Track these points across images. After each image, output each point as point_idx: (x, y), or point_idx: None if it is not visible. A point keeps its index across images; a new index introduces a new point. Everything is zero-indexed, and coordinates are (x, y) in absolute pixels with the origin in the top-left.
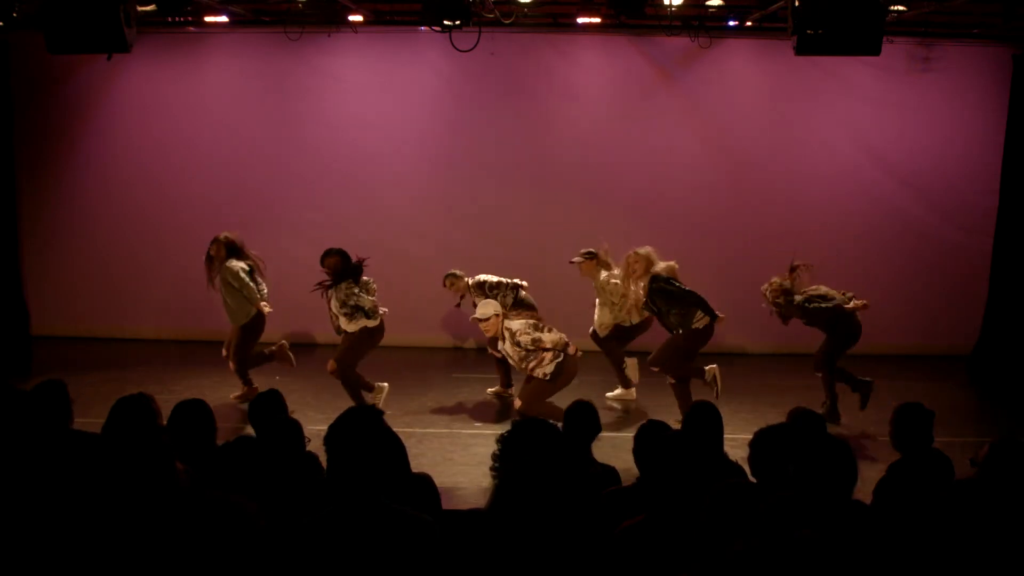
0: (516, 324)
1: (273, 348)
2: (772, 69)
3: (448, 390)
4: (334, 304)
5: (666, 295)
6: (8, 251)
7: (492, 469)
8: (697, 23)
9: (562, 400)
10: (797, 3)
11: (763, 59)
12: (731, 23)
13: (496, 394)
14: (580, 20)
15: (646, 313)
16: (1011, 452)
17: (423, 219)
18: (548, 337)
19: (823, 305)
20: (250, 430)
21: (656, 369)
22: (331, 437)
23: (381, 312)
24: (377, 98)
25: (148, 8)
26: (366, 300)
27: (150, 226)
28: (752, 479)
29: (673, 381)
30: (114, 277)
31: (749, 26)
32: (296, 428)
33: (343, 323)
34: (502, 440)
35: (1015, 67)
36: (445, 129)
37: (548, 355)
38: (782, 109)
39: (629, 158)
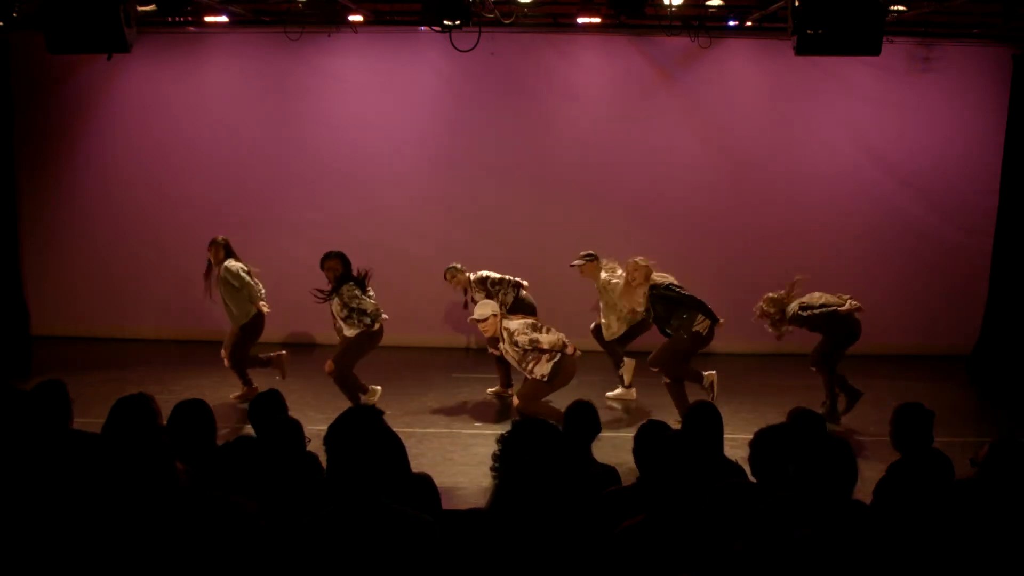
0: (514, 324)
1: (272, 355)
2: (772, 69)
3: (448, 390)
4: (335, 308)
5: (667, 300)
6: (8, 251)
7: (492, 469)
8: (697, 23)
9: (562, 400)
10: (797, 3)
11: (763, 59)
12: (731, 23)
13: (496, 394)
14: (580, 20)
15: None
16: (1011, 452)
17: (423, 219)
18: (546, 338)
19: (817, 311)
20: (250, 430)
21: (655, 369)
22: (331, 437)
23: (383, 318)
24: (377, 98)
25: (148, 8)
26: (368, 303)
27: (150, 226)
28: (752, 479)
29: (668, 381)
30: (114, 277)
31: (749, 26)
32: (296, 428)
33: (344, 327)
34: (502, 440)
35: (1015, 67)
36: (445, 129)
37: (545, 355)
38: (782, 109)
39: (629, 158)
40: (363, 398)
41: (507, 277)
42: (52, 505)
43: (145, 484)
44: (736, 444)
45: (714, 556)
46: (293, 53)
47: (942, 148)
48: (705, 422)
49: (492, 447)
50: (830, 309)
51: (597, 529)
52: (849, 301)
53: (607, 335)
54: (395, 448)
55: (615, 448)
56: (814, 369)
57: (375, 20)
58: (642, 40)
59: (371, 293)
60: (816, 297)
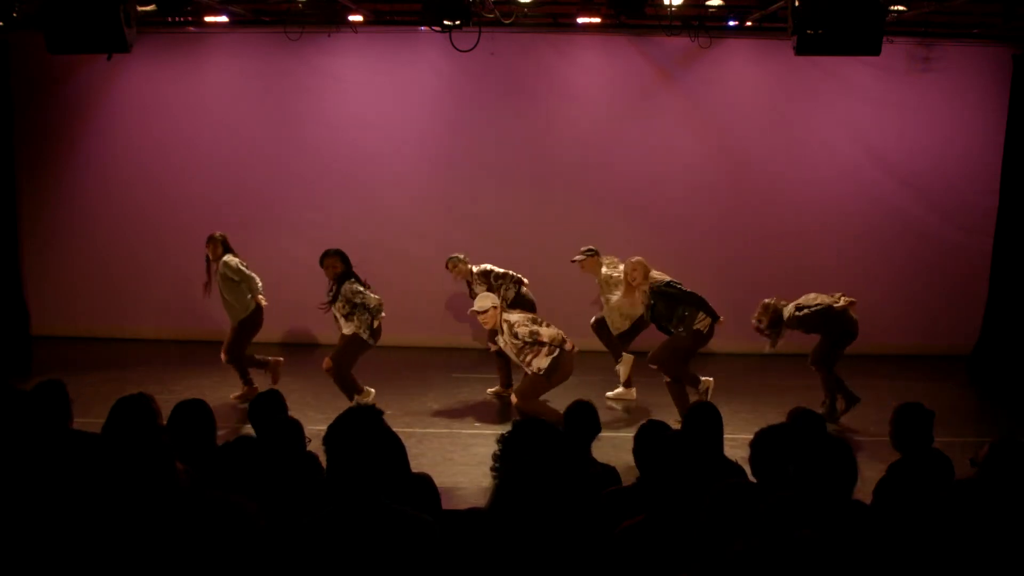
0: (515, 316)
1: (269, 359)
2: (772, 69)
3: (448, 390)
4: (338, 306)
5: (668, 297)
6: (8, 251)
7: (492, 469)
8: (697, 23)
9: (562, 400)
10: (797, 3)
11: (763, 59)
12: (731, 23)
13: (496, 394)
14: (580, 20)
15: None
16: (1011, 452)
17: (423, 219)
18: (546, 332)
19: (813, 308)
20: (250, 430)
21: (655, 367)
22: (331, 437)
23: (381, 315)
24: (377, 98)
25: (148, 8)
26: (371, 297)
27: (150, 226)
28: (752, 479)
29: (668, 380)
30: (114, 277)
31: (749, 26)
32: (296, 428)
33: (343, 325)
34: (502, 440)
35: (1015, 67)
36: (445, 129)
37: (544, 349)
38: (782, 109)
39: (629, 158)
40: (356, 398)
41: (510, 272)
42: (52, 505)
43: (145, 484)
44: (736, 444)
45: (714, 556)
46: (293, 53)
47: (942, 148)
48: (705, 422)
49: (492, 447)
50: (824, 306)
51: (597, 529)
52: (843, 298)
53: (613, 330)
54: (395, 448)
55: (615, 448)
56: (819, 374)
57: (375, 20)
58: (642, 40)
59: (372, 290)
60: (811, 298)
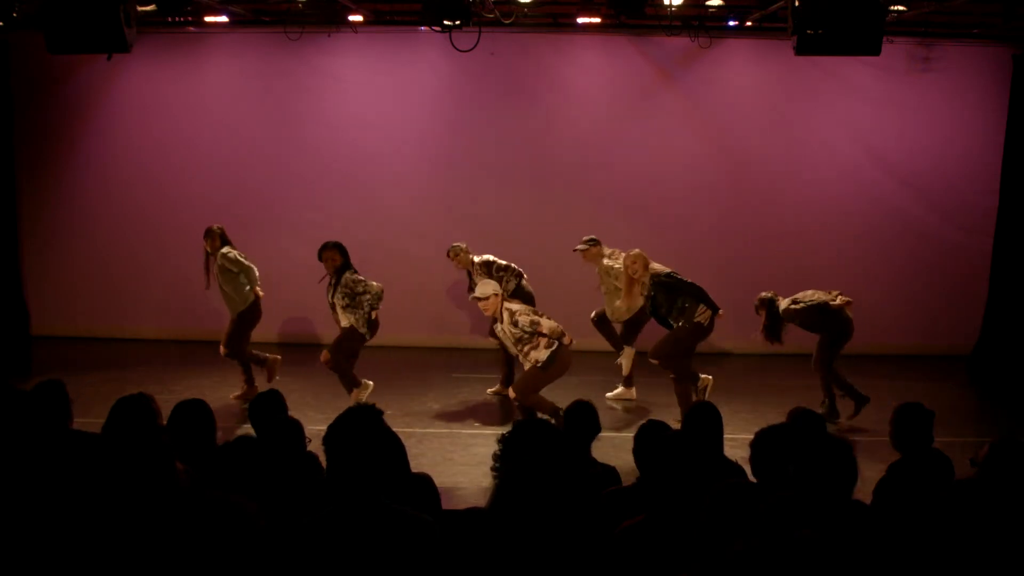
0: (516, 306)
1: (267, 356)
2: (772, 69)
3: (448, 390)
4: (338, 297)
5: (669, 288)
6: (8, 251)
7: (492, 469)
8: (697, 23)
9: (562, 400)
10: (797, 3)
11: (763, 59)
12: (731, 23)
13: (496, 393)
14: (580, 20)
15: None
16: (1011, 452)
17: (423, 219)
18: (546, 323)
19: (808, 304)
20: (250, 430)
21: (656, 362)
22: (331, 437)
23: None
24: (377, 98)
25: (148, 8)
26: (373, 285)
27: (150, 226)
28: (752, 479)
29: (674, 377)
30: (114, 277)
31: (749, 26)
32: (296, 428)
33: (341, 317)
34: (502, 440)
35: (1015, 67)
36: (445, 129)
37: (544, 340)
38: (782, 109)
39: (629, 158)
40: (355, 392)
41: (512, 265)
42: (52, 505)
43: (145, 484)
44: (736, 444)
45: (714, 556)
46: (293, 53)
47: (942, 148)
48: (705, 422)
49: (492, 447)
50: (820, 302)
51: (597, 529)
52: (839, 296)
53: (612, 318)
54: (395, 448)
55: (615, 448)
56: (815, 368)
57: (375, 20)
58: (642, 40)
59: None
60: (808, 294)
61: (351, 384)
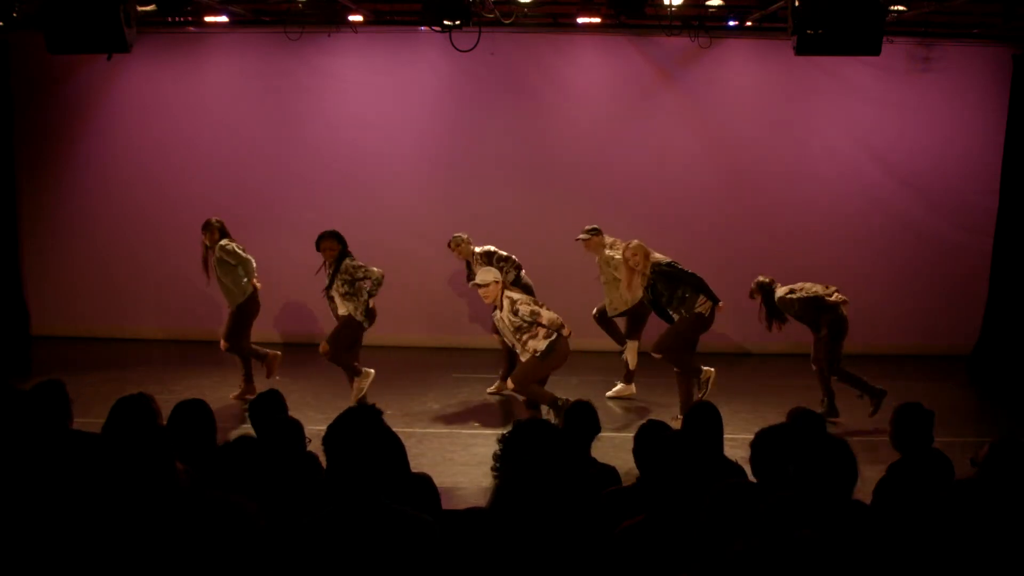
0: (517, 295)
1: (267, 352)
2: (772, 69)
3: (448, 390)
4: (337, 285)
5: (669, 277)
6: (8, 251)
7: (492, 469)
8: (697, 23)
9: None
10: (797, 3)
11: (763, 59)
12: (731, 23)
13: (496, 391)
14: (580, 20)
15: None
16: (1011, 452)
17: (423, 219)
18: (546, 314)
19: (804, 295)
20: (250, 430)
21: (658, 356)
22: (331, 437)
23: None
24: (377, 98)
25: (148, 8)
26: (373, 270)
27: (150, 226)
28: (752, 479)
29: (678, 371)
30: (114, 277)
31: (749, 26)
32: (296, 428)
33: (339, 305)
34: (503, 440)
35: (1015, 67)
36: (445, 129)
37: (542, 331)
38: (782, 109)
39: (629, 158)
40: (356, 381)
41: (512, 256)
42: (52, 505)
43: (145, 484)
44: (736, 444)
45: (714, 556)
46: (293, 53)
47: (942, 148)
48: (705, 422)
49: (492, 447)
50: (816, 295)
51: (597, 529)
52: (836, 294)
53: (610, 310)
54: (395, 448)
55: (615, 448)
56: (814, 367)
57: (375, 20)
58: (642, 40)
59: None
60: (808, 286)
61: (352, 374)
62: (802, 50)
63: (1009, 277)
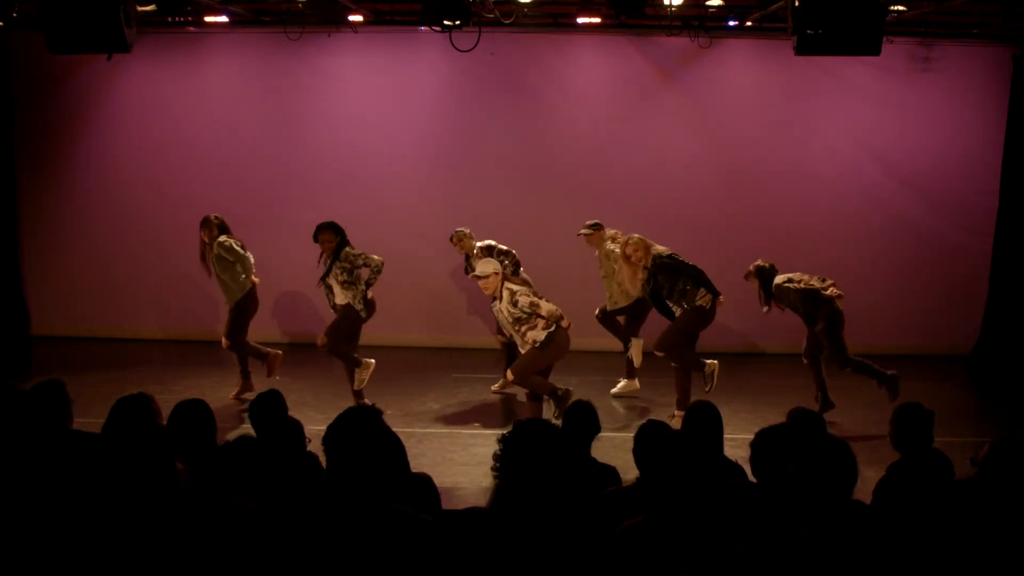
0: (516, 286)
1: (268, 351)
2: (772, 69)
3: (448, 390)
4: (336, 274)
5: (670, 269)
6: (8, 251)
7: (492, 469)
8: (697, 23)
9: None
10: (797, 3)
11: (763, 59)
12: (731, 23)
13: (501, 389)
14: (580, 20)
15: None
16: (1011, 452)
17: (423, 219)
18: (545, 305)
19: (803, 286)
20: (249, 430)
21: (661, 354)
22: (330, 437)
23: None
24: (377, 98)
25: (148, 8)
26: (373, 258)
27: (150, 226)
28: (752, 479)
29: (675, 365)
30: (114, 277)
31: (749, 26)
32: (296, 428)
33: (338, 294)
34: (503, 440)
35: (1015, 67)
36: (445, 129)
37: (541, 322)
38: (782, 109)
39: (629, 158)
40: (357, 372)
41: (512, 251)
42: (52, 505)
43: (145, 484)
44: (736, 444)
45: (714, 556)
46: (293, 53)
47: (942, 148)
48: (705, 422)
49: (492, 447)
50: (813, 288)
51: (597, 529)
52: (831, 288)
53: (610, 304)
54: (395, 448)
55: (615, 448)
56: (805, 360)
57: (375, 20)
58: (642, 40)
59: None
60: (806, 278)
61: (352, 365)
62: (802, 50)
63: (1009, 277)
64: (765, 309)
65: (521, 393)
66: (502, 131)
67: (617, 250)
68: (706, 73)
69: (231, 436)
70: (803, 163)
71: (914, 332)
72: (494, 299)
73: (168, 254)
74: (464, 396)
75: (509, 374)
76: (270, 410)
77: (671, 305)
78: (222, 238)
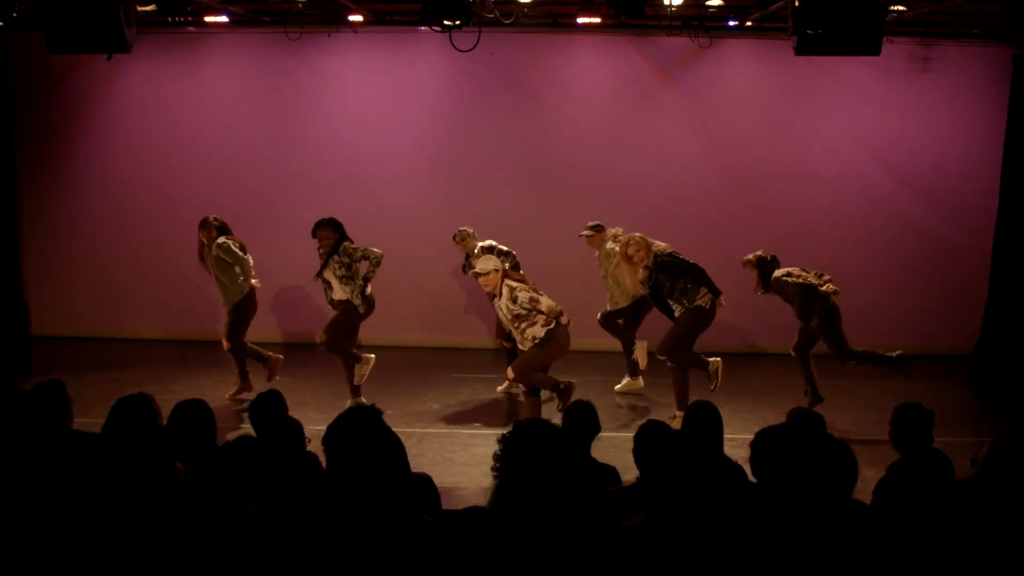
0: (516, 282)
1: (269, 355)
2: (772, 69)
3: (448, 390)
4: (334, 269)
5: (671, 267)
6: (8, 251)
7: (492, 469)
8: (697, 23)
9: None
10: (797, 3)
11: (763, 59)
12: (731, 23)
13: (507, 390)
14: (580, 20)
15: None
16: (1011, 452)
17: (423, 219)
18: (545, 301)
19: (801, 281)
20: (248, 430)
21: (663, 357)
22: (330, 437)
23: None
24: (377, 98)
25: (148, 8)
26: (373, 251)
27: (150, 226)
28: (752, 479)
29: (672, 365)
30: (114, 277)
31: (749, 26)
32: (296, 428)
33: (336, 289)
34: (502, 440)
35: (1015, 67)
36: (445, 129)
37: (541, 318)
38: (782, 109)
39: (629, 158)
40: (357, 368)
41: (512, 252)
42: (52, 505)
43: (145, 484)
44: (736, 444)
45: (714, 556)
46: (293, 53)
47: (942, 148)
48: (705, 422)
49: (492, 447)
50: (810, 284)
51: (597, 529)
52: (828, 284)
53: (610, 305)
54: (395, 448)
55: (615, 448)
56: (793, 354)
57: (375, 20)
58: (642, 40)
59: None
60: (804, 273)
61: (352, 361)
62: (802, 50)
63: (1009, 277)
64: (760, 292)
65: (523, 392)
66: (502, 131)
67: (616, 248)
68: (706, 73)
69: (231, 436)
70: (803, 163)
71: (914, 332)
72: (494, 296)
73: (168, 254)
74: (464, 396)
75: (510, 372)
76: (270, 410)
77: (671, 303)
78: (221, 239)
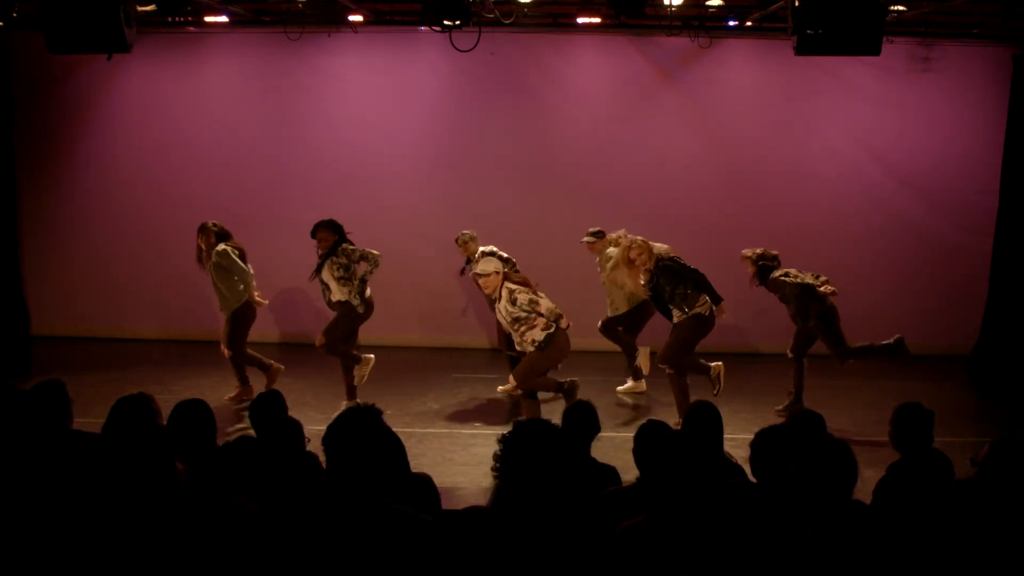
0: (516, 285)
1: (271, 364)
2: (772, 69)
3: (448, 390)
4: (332, 270)
5: (672, 272)
6: (8, 251)
7: (493, 469)
8: (697, 23)
9: (563, 402)
10: (797, 3)
11: (763, 59)
12: (731, 23)
13: (508, 392)
14: (580, 20)
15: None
16: (1011, 452)
17: (423, 219)
18: (544, 303)
19: (799, 281)
20: (250, 430)
21: (664, 366)
22: (330, 437)
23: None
24: (377, 98)
25: (148, 8)
26: (372, 253)
27: (150, 226)
28: (752, 479)
29: (671, 372)
30: (114, 277)
31: (749, 26)
32: (296, 428)
33: (334, 291)
34: (503, 440)
35: (1015, 67)
36: (445, 129)
37: (541, 321)
38: (782, 109)
39: (629, 158)
40: (357, 369)
41: (512, 259)
42: (52, 505)
43: (145, 484)
44: (736, 444)
45: (714, 556)
46: (293, 53)
47: (942, 148)
48: (705, 422)
49: (492, 447)
50: (807, 284)
51: (597, 529)
52: (825, 284)
53: (611, 310)
54: (395, 448)
55: (615, 448)
56: (790, 355)
57: (375, 20)
58: (642, 40)
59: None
60: (802, 275)
61: (351, 364)
62: (802, 50)
63: (1009, 277)
64: (755, 284)
65: (520, 394)
66: (502, 131)
67: (615, 251)
68: (706, 73)
69: (231, 436)
70: (803, 163)
71: (914, 332)
72: (494, 300)
73: (168, 254)
74: (464, 396)
75: (512, 379)
76: (270, 410)
77: (671, 308)
78: (220, 247)
